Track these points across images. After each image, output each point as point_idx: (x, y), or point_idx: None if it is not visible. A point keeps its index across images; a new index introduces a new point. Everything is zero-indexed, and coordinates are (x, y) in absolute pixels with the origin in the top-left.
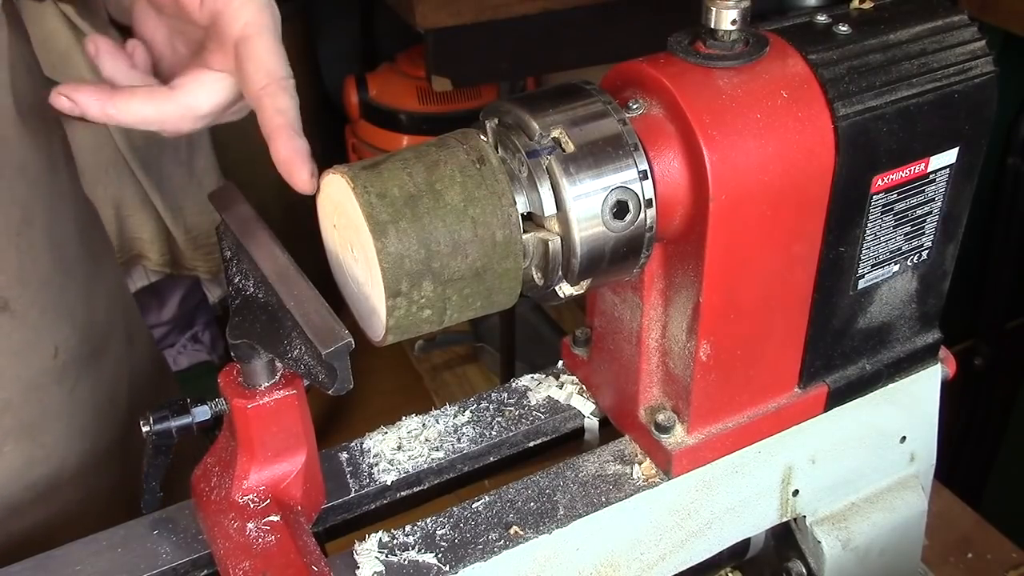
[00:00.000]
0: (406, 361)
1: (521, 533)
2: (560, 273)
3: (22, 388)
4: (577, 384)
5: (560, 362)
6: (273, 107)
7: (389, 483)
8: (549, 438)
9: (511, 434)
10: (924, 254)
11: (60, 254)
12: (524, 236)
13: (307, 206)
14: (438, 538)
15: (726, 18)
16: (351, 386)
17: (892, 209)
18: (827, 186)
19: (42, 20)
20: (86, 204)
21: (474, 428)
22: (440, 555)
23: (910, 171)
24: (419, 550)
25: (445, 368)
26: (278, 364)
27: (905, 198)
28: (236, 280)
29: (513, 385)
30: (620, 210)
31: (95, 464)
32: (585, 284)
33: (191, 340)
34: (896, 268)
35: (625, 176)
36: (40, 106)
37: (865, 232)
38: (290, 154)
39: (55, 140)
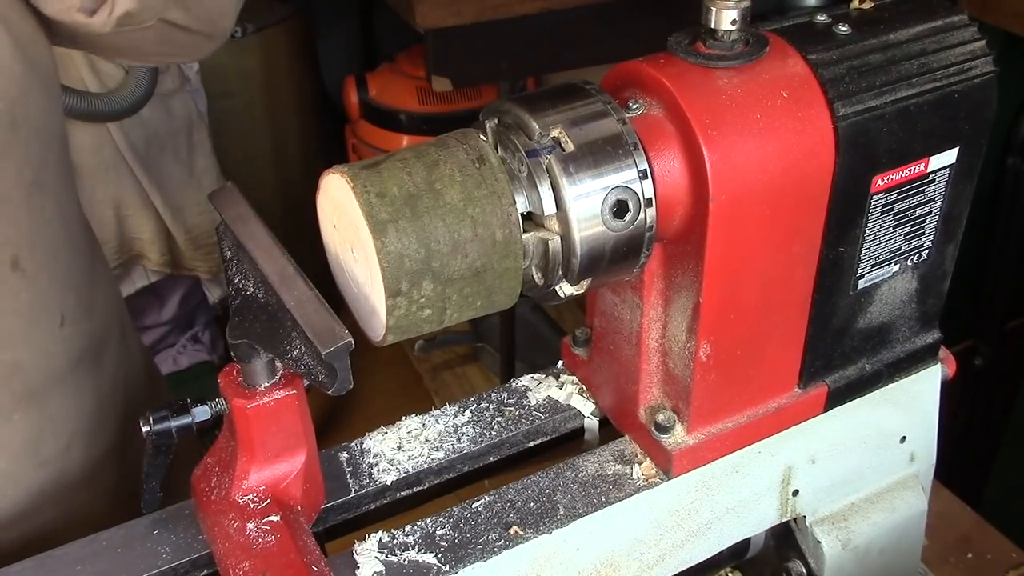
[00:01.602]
0: (406, 361)
1: (521, 533)
2: (560, 273)
3: (31, 352)
4: (577, 384)
5: (560, 362)
6: None
7: (389, 483)
8: (549, 438)
9: (511, 434)
10: (924, 254)
11: (67, 226)
12: (524, 236)
13: (307, 206)
14: (438, 538)
15: (726, 18)
16: (351, 386)
17: (892, 209)
18: (827, 186)
19: None
20: (82, 209)
21: (474, 428)
22: (440, 555)
23: (910, 171)
24: (419, 550)
25: (445, 368)
26: (278, 364)
27: (905, 198)
28: (236, 280)
29: (513, 385)
30: (620, 210)
31: (92, 469)
32: (585, 284)
33: (191, 340)
34: (896, 268)
35: (625, 176)
36: (53, 79)
37: (865, 232)
38: None
39: (61, 115)
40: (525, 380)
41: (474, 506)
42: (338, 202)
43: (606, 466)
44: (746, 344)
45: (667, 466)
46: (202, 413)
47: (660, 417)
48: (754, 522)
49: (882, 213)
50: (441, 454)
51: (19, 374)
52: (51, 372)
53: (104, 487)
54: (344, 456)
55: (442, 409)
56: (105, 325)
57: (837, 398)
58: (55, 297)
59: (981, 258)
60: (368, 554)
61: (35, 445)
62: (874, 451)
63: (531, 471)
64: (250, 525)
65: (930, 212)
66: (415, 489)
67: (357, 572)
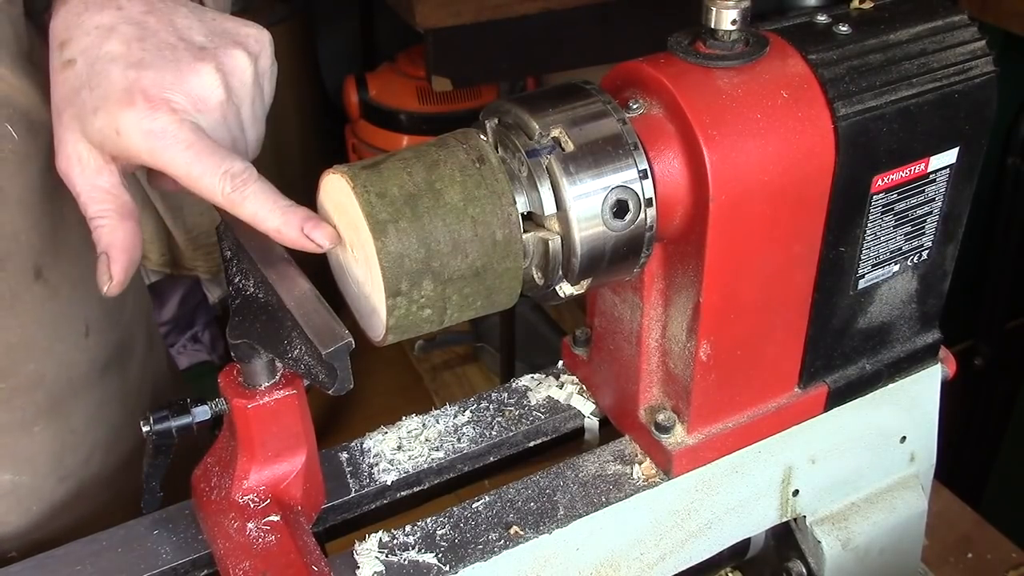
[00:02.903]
0: (406, 361)
1: (521, 533)
2: (560, 273)
3: (55, 363)
4: (577, 384)
5: (560, 362)
6: (251, 210)
7: (389, 483)
8: (549, 438)
9: (511, 434)
10: (924, 254)
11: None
12: (524, 236)
13: (307, 206)
14: (438, 538)
15: (726, 18)
16: (351, 386)
17: (892, 209)
18: (827, 186)
19: None
20: None
21: (474, 428)
22: (440, 555)
23: (910, 171)
24: (419, 550)
25: (445, 368)
26: (278, 364)
27: (905, 198)
28: (236, 280)
29: (513, 385)
30: (620, 209)
31: (112, 476)
32: (585, 284)
33: (191, 340)
34: (896, 268)
35: (625, 176)
36: None
37: (865, 232)
38: (298, 234)
39: None
40: (525, 380)
41: (474, 506)
42: (338, 202)
43: (606, 466)
44: (746, 344)
45: (667, 466)
46: (202, 413)
47: (660, 417)
48: (754, 522)
49: (882, 213)
50: (441, 454)
51: (42, 385)
52: (75, 383)
53: (122, 491)
54: (344, 456)
55: (442, 409)
56: (132, 332)
57: (837, 398)
58: (79, 306)
59: (981, 258)
60: (368, 554)
61: (58, 458)
62: (874, 451)
63: (531, 471)
64: (250, 525)
65: (930, 212)
66: (415, 489)
67: (357, 572)
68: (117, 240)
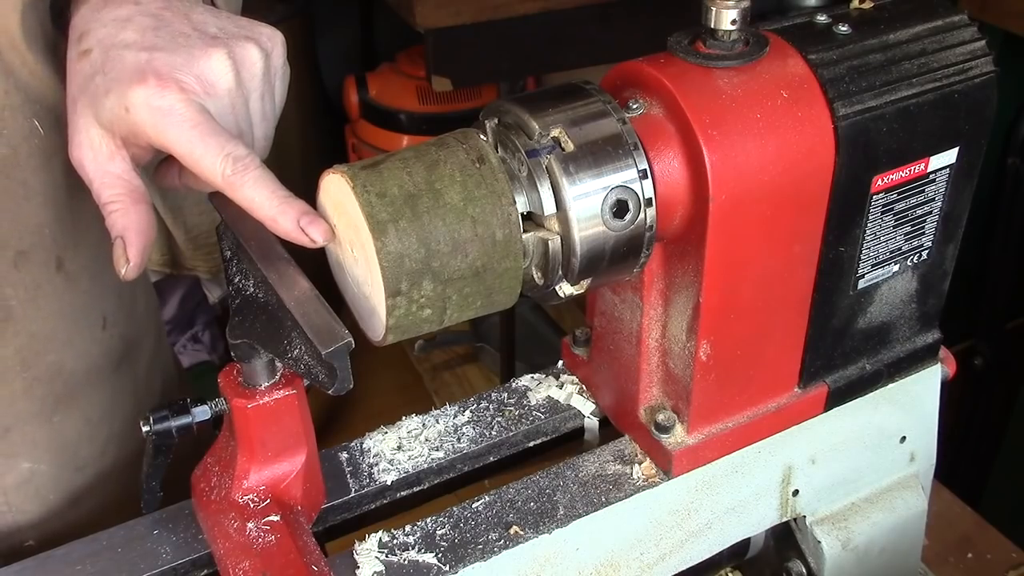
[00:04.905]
0: (406, 361)
1: (521, 533)
2: (560, 273)
3: (74, 354)
4: (577, 384)
5: (560, 362)
6: (249, 195)
7: (389, 483)
8: (549, 438)
9: (511, 434)
10: (924, 254)
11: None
12: (524, 235)
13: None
14: (438, 538)
15: (726, 18)
16: (351, 386)
17: (892, 209)
18: (827, 186)
19: None
20: None
21: (474, 428)
22: (440, 555)
23: (910, 171)
24: (419, 550)
25: (445, 368)
26: (278, 364)
27: (905, 198)
28: (236, 280)
29: (513, 385)
30: (620, 209)
31: (124, 469)
32: (585, 284)
33: (191, 340)
34: (896, 268)
35: (625, 176)
36: None
37: (865, 232)
38: (293, 226)
39: None
40: (525, 380)
41: (474, 506)
42: (338, 202)
43: (606, 466)
44: (746, 344)
45: (667, 466)
46: (202, 413)
47: (660, 417)
48: (754, 522)
49: (882, 213)
50: (441, 454)
51: (61, 376)
52: (92, 374)
53: (132, 486)
54: (344, 456)
55: (442, 409)
56: (143, 328)
57: (837, 398)
58: (97, 299)
59: (981, 258)
60: (368, 554)
61: (74, 448)
62: (874, 451)
63: (531, 471)
64: (250, 525)
65: (930, 212)
66: (415, 489)
67: (357, 572)
68: (132, 223)
